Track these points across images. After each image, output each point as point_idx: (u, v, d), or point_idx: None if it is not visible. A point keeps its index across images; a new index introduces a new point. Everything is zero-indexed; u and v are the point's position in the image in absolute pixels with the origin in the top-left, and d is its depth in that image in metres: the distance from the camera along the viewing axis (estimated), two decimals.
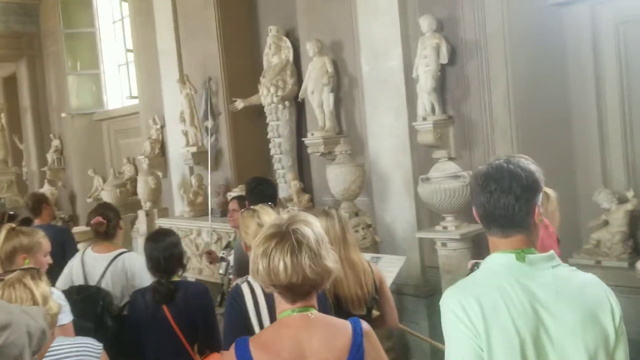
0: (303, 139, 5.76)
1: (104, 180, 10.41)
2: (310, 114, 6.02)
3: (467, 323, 1.48)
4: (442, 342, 1.59)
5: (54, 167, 11.46)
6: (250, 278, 2.49)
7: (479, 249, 4.24)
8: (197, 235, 6.61)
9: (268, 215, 2.62)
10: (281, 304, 1.70)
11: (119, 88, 10.86)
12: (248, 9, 7.36)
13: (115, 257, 3.50)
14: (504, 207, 1.55)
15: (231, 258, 4.21)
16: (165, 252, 3.07)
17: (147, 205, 7.80)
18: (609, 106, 4.35)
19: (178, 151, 7.80)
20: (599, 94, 4.38)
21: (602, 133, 4.41)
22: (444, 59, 4.58)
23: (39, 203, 4.78)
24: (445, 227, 4.23)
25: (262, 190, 3.75)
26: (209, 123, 6.04)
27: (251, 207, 2.84)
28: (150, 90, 8.58)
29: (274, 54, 6.65)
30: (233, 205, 4.51)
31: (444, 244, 4.20)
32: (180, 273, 3.21)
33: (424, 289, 4.96)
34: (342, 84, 5.63)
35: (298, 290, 1.64)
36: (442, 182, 4.08)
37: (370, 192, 5.33)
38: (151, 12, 8.21)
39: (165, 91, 8.07)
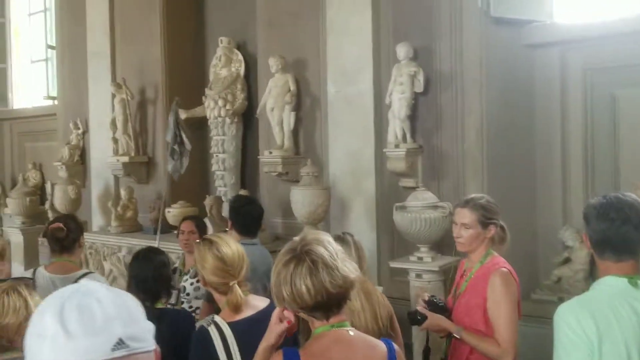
0: (259, 157, 5.49)
1: (2, 188, 9.44)
2: (264, 131, 5.79)
3: (582, 336, 1.70)
4: None
5: None
6: (216, 318, 2.26)
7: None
8: (128, 254, 6.06)
9: (228, 247, 2.34)
10: (314, 322, 1.73)
11: (28, 86, 9.90)
12: (196, 16, 7.00)
13: (79, 278, 3.05)
14: (623, 234, 1.79)
15: (187, 284, 3.82)
16: (155, 272, 2.72)
17: None
18: (572, 147, 4.53)
19: (104, 160, 7.19)
20: (564, 135, 4.55)
21: (564, 172, 4.57)
22: (420, 88, 4.57)
23: None
24: (420, 258, 4.15)
25: (249, 211, 3.45)
26: (186, 146, 5.55)
27: (207, 236, 2.54)
28: (73, 92, 7.87)
29: (224, 66, 6.37)
30: (188, 226, 4.12)
31: (418, 275, 4.11)
32: (164, 301, 2.84)
33: None
34: (304, 104, 5.46)
35: (327, 307, 1.68)
36: (422, 212, 4.02)
37: (327, 217, 5.17)
38: (82, 8, 7.59)
39: (93, 94, 7.45)
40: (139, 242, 5.93)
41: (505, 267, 2.60)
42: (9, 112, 9.87)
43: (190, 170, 6.99)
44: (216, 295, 2.38)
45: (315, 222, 4.71)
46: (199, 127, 6.92)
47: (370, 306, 2.65)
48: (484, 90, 4.43)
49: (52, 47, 8.08)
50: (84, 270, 3.16)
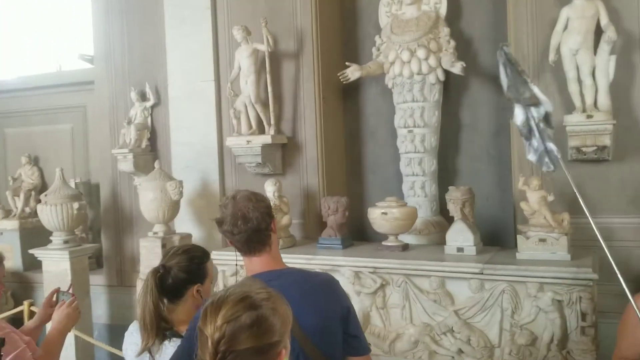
0: (565, 125, 3.67)
1: None
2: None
3: None
4: None
5: None
6: None
7: None
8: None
9: None
10: None
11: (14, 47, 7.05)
12: None
13: None
14: None
15: None
16: None
17: (157, 229, 4.72)
18: None
19: (203, 142, 4.97)
20: None
21: None
22: None
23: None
24: None
25: None
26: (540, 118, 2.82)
27: None
28: (131, 48, 5.41)
29: (411, 4, 4.48)
30: None
31: None
32: None
33: None
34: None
35: None
36: None
37: None
38: None
39: (174, 50, 5.10)
40: (351, 262, 3.84)
41: None
42: None
43: (344, 152, 5.01)
44: None
45: None
46: (354, 94, 4.95)
47: None
48: None
49: None
50: None
